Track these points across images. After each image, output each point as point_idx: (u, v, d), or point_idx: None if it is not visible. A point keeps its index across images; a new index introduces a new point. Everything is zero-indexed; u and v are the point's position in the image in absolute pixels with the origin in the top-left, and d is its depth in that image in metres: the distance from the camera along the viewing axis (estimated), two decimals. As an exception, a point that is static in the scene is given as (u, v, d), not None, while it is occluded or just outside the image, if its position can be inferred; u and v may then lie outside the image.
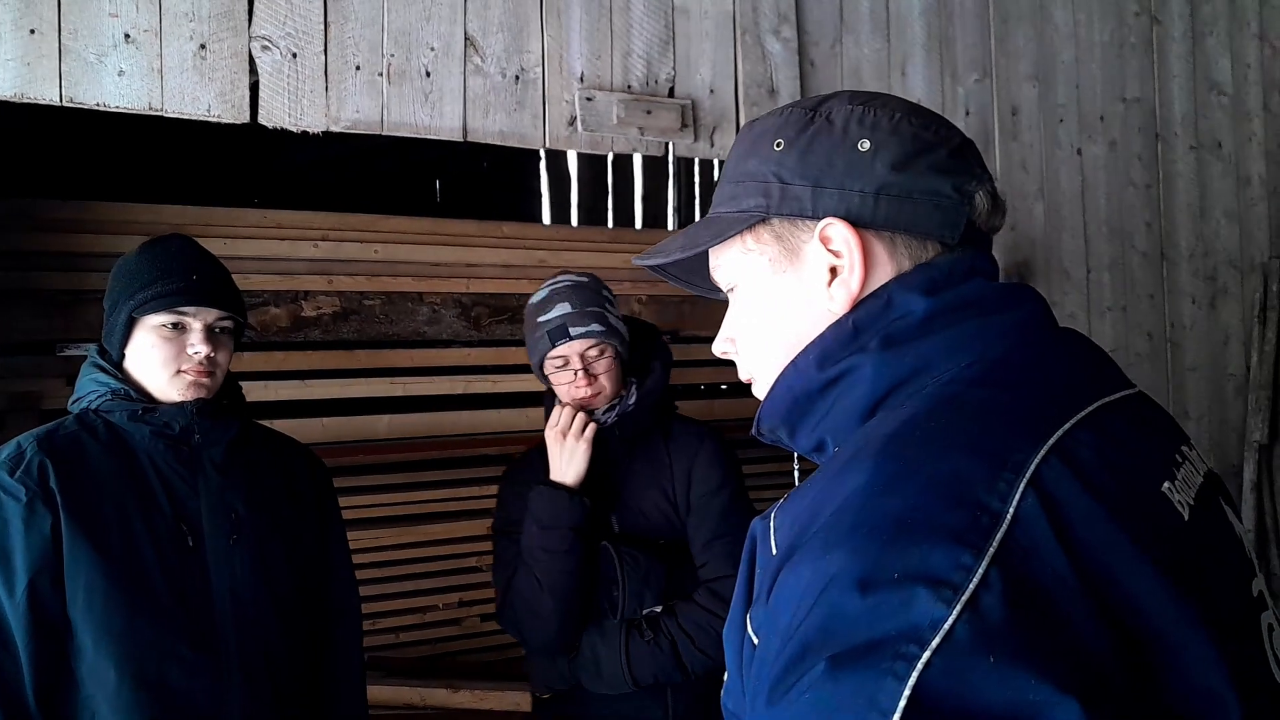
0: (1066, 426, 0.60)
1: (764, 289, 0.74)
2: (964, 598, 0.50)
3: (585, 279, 1.75)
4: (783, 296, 0.73)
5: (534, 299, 1.74)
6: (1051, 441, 0.58)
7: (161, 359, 1.43)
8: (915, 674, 0.49)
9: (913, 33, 2.89)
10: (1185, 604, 0.55)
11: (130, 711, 1.34)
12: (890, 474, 0.58)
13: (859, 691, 0.49)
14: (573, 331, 1.67)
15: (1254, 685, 0.58)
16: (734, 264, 0.75)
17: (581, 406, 1.70)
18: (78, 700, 1.35)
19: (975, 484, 0.55)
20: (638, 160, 5.88)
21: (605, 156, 5.85)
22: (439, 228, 2.95)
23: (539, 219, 5.89)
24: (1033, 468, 0.56)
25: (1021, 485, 0.55)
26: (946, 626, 0.50)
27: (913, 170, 0.69)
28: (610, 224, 5.73)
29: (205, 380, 1.45)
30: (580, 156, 5.93)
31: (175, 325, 1.43)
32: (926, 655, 0.49)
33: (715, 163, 2.87)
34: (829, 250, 0.70)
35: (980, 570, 0.51)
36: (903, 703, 0.48)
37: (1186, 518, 0.61)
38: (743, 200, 0.73)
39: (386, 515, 2.80)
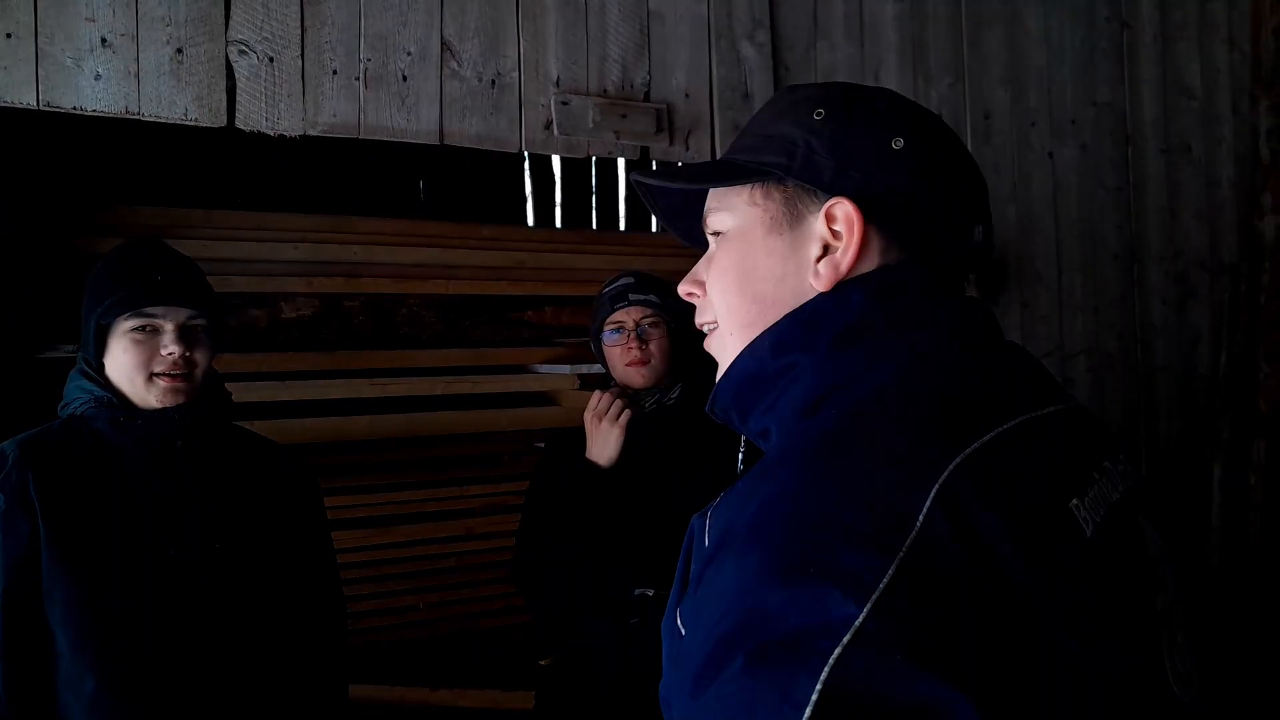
0: (984, 440, 0.62)
1: (755, 243, 0.75)
2: (874, 597, 0.52)
3: (657, 276, 1.90)
4: (770, 255, 0.74)
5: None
6: (964, 454, 0.60)
7: (134, 363, 1.41)
8: (827, 669, 0.51)
9: (886, 37, 2.93)
10: (1071, 621, 0.57)
11: None
12: (811, 477, 0.60)
13: (774, 685, 0.52)
14: (632, 297, 1.81)
15: (1140, 700, 0.61)
16: (735, 210, 0.76)
17: (626, 387, 1.80)
18: (54, 708, 1.35)
19: (889, 490, 0.57)
20: (621, 163, 5.91)
21: (588, 159, 5.86)
22: (418, 229, 2.96)
23: (523, 221, 5.89)
24: (943, 478, 0.58)
25: (931, 494, 0.57)
26: (857, 623, 0.52)
27: (929, 182, 0.71)
28: (594, 225, 5.74)
29: (181, 384, 1.43)
30: (563, 159, 5.94)
31: (146, 328, 1.41)
32: (838, 651, 0.51)
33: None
34: (830, 228, 0.71)
35: (890, 572, 0.53)
36: (815, 696, 0.50)
37: (1089, 534, 0.63)
38: (763, 154, 0.74)
39: (366, 516, 2.82)
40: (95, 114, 2.02)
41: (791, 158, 0.72)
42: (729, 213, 0.77)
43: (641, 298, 1.82)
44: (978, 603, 0.55)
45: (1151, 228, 3.39)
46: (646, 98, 2.56)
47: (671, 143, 2.57)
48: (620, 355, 1.81)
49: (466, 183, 5.39)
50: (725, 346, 0.78)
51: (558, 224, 6.08)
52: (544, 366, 3.04)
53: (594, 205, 6.23)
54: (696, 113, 2.62)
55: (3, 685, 1.33)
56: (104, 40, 2.03)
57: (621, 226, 5.74)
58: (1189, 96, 3.48)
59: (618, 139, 2.50)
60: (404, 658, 2.82)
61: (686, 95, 2.61)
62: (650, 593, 1.71)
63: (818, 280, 0.71)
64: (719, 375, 0.78)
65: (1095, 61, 3.30)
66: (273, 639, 1.51)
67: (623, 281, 1.86)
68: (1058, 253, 3.20)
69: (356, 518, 2.77)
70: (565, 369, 2.98)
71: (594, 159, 5.87)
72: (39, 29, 1.98)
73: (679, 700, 0.59)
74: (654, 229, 3.31)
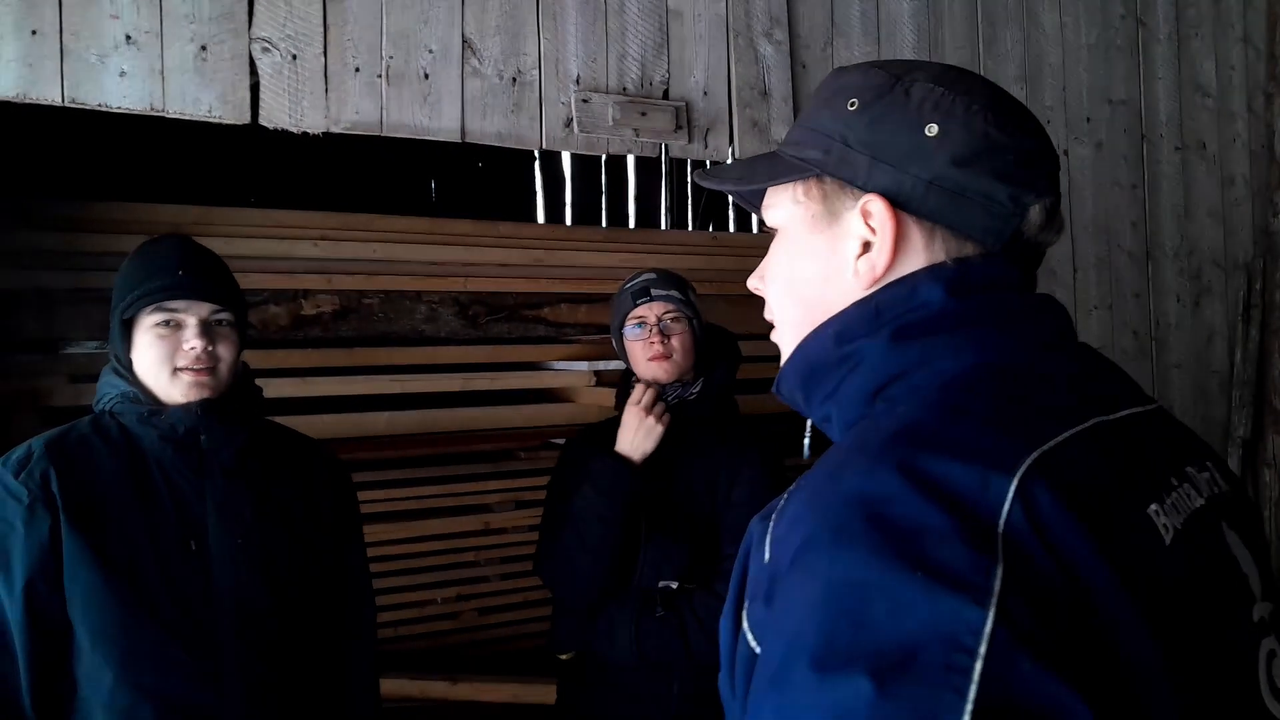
0: (1058, 440, 0.60)
1: (800, 242, 0.74)
2: (994, 601, 0.50)
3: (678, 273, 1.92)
4: (813, 255, 0.73)
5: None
6: (1036, 454, 0.58)
7: (158, 358, 1.40)
8: (974, 687, 0.48)
9: (902, 35, 2.94)
10: (1152, 629, 0.55)
11: (125, 716, 1.34)
12: (889, 477, 0.57)
13: (917, 709, 0.48)
14: (654, 292, 1.82)
15: (1225, 713, 0.58)
16: (783, 209, 0.75)
17: (650, 382, 1.80)
18: (74, 703, 1.35)
19: (968, 490, 0.55)
20: (631, 160, 5.92)
21: (599, 157, 5.87)
22: (437, 227, 2.97)
23: (533, 218, 5.91)
24: (1018, 478, 0.56)
25: (1010, 495, 0.55)
26: (988, 631, 0.49)
27: (972, 169, 0.67)
28: (604, 223, 5.75)
29: (206, 379, 1.43)
30: (574, 156, 5.95)
31: (169, 323, 1.41)
32: (979, 665, 0.48)
33: (708, 163, 2.93)
34: (867, 225, 0.69)
35: (999, 574, 0.51)
36: (967, 718, 0.47)
37: (1168, 541, 0.60)
38: (805, 149, 0.73)
39: (386, 511, 2.83)
40: (120, 111, 2.04)
41: (828, 153, 0.71)
42: (779, 209, 0.76)
43: (664, 293, 1.83)
44: (1072, 606, 0.53)
45: (1166, 225, 3.40)
46: (665, 95, 2.57)
47: (690, 140, 2.58)
48: (642, 350, 1.82)
49: (478, 180, 5.40)
50: (782, 343, 0.78)
51: (567, 221, 6.09)
52: (560, 363, 3.05)
53: (604, 202, 6.24)
54: (715, 110, 2.63)
55: (25, 678, 1.33)
56: (129, 37, 2.04)
57: (631, 224, 5.75)
58: (1204, 94, 3.48)
59: (637, 136, 2.51)
60: (424, 652, 2.83)
61: (705, 93, 2.62)
62: (674, 585, 1.72)
63: (857, 279, 0.70)
64: (782, 361, 0.77)
65: (1110, 59, 3.30)
66: (299, 634, 1.50)
67: (645, 277, 1.87)
68: (1073, 250, 3.21)
69: (375, 513, 2.79)
70: (581, 366, 2.99)
71: (604, 156, 5.88)
72: (64, 26, 1.99)
73: (757, 707, 0.56)
74: (663, 226, 3.32)
